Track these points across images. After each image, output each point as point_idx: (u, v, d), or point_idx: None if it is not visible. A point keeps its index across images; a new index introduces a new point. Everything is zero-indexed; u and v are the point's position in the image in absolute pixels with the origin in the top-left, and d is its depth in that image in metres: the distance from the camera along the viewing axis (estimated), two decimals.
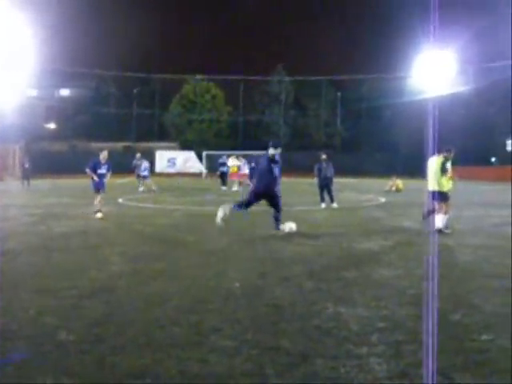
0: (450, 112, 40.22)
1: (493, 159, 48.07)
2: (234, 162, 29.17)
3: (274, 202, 10.86)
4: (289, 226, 10.80)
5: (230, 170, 29.16)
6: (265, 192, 10.80)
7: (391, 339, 4.52)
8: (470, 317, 5.21)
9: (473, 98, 43.33)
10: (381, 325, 4.91)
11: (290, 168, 49.68)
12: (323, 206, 16.68)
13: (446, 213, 11.08)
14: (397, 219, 13.94)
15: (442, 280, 6.42)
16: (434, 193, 11.19)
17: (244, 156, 30.39)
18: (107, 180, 14.12)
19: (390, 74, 53.99)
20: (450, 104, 40.84)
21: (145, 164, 26.93)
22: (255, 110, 66.88)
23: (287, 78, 65.24)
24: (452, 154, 11.42)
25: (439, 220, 10.98)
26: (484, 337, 4.63)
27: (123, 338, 4.50)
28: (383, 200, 20.57)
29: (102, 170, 13.79)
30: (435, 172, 11.18)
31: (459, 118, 42.25)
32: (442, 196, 11.09)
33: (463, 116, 44.32)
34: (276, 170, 10.74)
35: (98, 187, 13.76)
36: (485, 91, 41.71)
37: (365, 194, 24.69)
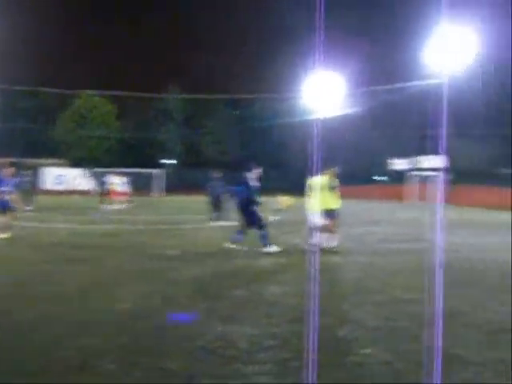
0: (338, 132, 42.03)
1: (377, 178, 50.62)
2: (115, 181, 29.08)
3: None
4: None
5: (113, 189, 28.89)
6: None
7: (279, 357, 4.56)
8: (353, 332, 5.39)
9: (359, 119, 45.51)
10: (270, 343, 4.94)
11: (185, 185, 49.52)
12: (213, 223, 16.71)
13: (332, 231, 11.35)
14: (286, 237, 14.22)
15: (330, 296, 6.62)
16: (321, 211, 11.24)
17: (128, 174, 30.43)
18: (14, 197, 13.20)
19: (282, 94, 55.47)
20: (338, 125, 42.69)
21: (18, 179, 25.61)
22: (149, 127, 65.99)
23: (181, 96, 65.09)
24: (336, 173, 11.75)
25: (325, 238, 11.20)
26: (366, 351, 4.79)
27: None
28: (272, 218, 20.93)
29: (5, 188, 12.89)
30: (322, 190, 11.31)
31: (346, 138, 44.20)
32: (329, 214, 11.35)
33: (350, 136, 46.37)
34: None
35: (3, 205, 12.82)
36: (371, 113, 43.97)
37: None
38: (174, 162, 64.55)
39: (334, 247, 11.26)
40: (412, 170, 41.70)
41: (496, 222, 21.27)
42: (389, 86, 39.97)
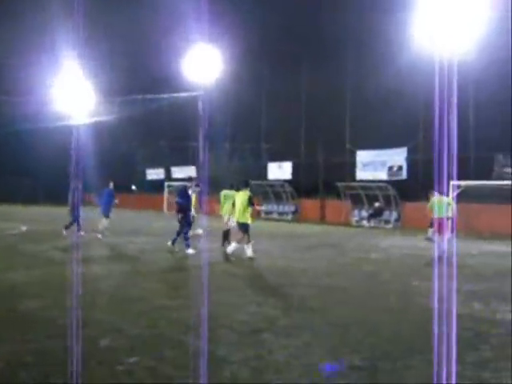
0: (95, 140, 41.08)
1: (133, 187, 50.52)
2: None
3: None
4: None
5: None
6: None
7: (41, 373, 4.35)
8: (117, 341, 5.36)
9: (116, 128, 44.97)
10: (28, 360, 4.66)
11: None
12: None
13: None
14: (44, 250, 13.45)
15: (93, 307, 6.46)
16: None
17: None
18: None
19: (31, 98, 51.92)
20: (94, 133, 41.70)
21: None
22: None
23: None
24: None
25: (232, 247, 12.24)
26: (132, 359, 4.81)
27: None
28: (24, 228, 19.58)
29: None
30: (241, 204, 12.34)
31: (102, 148, 43.36)
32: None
33: (106, 146, 45.59)
34: None
35: None
36: (128, 122, 43.75)
37: (5, 221, 22.93)
38: None
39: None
40: (167, 179, 42.69)
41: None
42: (145, 96, 40.40)
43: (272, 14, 33.13)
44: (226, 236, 14.14)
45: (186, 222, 13.40)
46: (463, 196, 22.96)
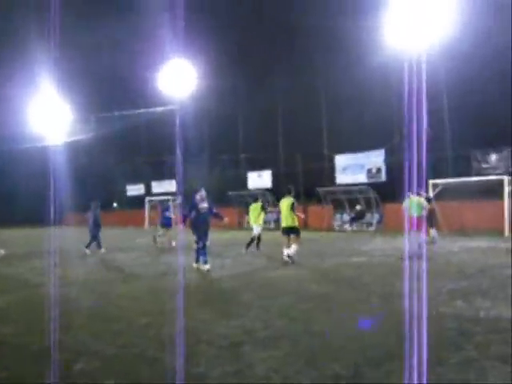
0: (73, 159, 40.79)
1: (114, 204, 50.22)
2: None
3: None
4: None
5: None
6: None
7: None
8: (91, 363, 5.18)
9: (93, 146, 44.65)
10: None
11: None
12: None
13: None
14: (20, 273, 13.18)
15: (67, 328, 6.27)
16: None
17: None
18: None
19: (3, 119, 51.20)
20: (71, 152, 41.40)
21: None
22: None
23: None
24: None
25: (293, 250, 13.04)
26: (108, 382, 4.65)
27: None
28: (3, 252, 19.19)
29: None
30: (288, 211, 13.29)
31: (79, 166, 43.02)
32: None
33: (84, 164, 45.25)
34: None
35: None
36: (105, 139, 43.45)
37: None
38: None
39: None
40: (147, 195, 42.40)
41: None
42: (122, 113, 40.20)
43: (244, 25, 33.24)
44: (251, 242, 16.57)
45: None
46: (444, 194, 23.11)
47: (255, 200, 17.86)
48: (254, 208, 17.25)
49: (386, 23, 23.57)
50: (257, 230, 16.89)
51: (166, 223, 19.34)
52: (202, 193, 12.45)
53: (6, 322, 7.20)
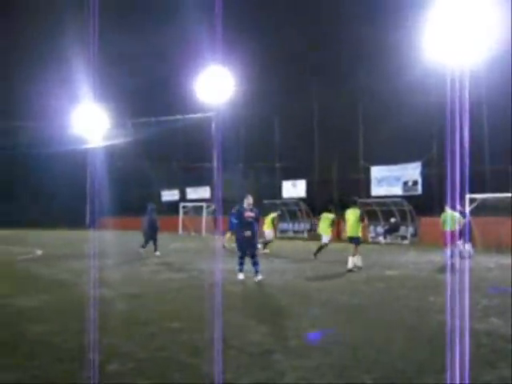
0: (108, 163, 41.44)
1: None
2: None
3: None
4: None
5: None
6: None
7: None
8: (124, 365, 5.27)
9: (130, 150, 45.25)
10: None
11: None
12: None
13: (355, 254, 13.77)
14: (56, 273, 13.46)
15: (101, 331, 6.39)
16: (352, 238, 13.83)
17: None
18: None
19: (47, 123, 52.52)
20: (109, 156, 42.10)
21: None
22: None
23: None
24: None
25: (352, 261, 13.59)
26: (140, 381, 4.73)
27: None
28: (40, 252, 19.66)
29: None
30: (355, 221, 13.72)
31: (116, 170, 43.63)
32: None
33: (121, 168, 45.86)
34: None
35: None
36: (142, 144, 44.00)
37: (21, 246, 23.02)
38: None
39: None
40: (181, 201, 42.64)
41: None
42: (159, 118, 40.75)
43: (283, 32, 33.39)
44: (320, 250, 16.83)
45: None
46: (480, 209, 22.66)
47: (327, 210, 17.91)
48: (325, 218, 17.40)
49: (428, 34, 23.38)
50: (326, 238, 17.12)
51: (231, 227, 19.59)
52: (250, 200, 11.79)
53: (42, 321, 7.38)
